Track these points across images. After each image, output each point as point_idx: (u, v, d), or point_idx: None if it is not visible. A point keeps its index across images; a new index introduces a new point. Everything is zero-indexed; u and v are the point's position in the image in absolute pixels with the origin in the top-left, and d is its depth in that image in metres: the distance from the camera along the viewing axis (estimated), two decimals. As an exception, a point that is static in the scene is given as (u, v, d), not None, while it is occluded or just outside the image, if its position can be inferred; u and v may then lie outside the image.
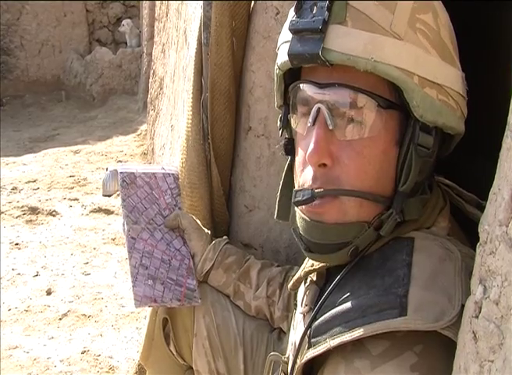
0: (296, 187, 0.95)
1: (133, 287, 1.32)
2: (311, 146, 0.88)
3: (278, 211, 1.07)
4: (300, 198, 0.90)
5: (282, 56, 0.91)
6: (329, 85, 0.87)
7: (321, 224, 0.91)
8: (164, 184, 1.54)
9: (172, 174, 1.57)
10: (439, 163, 0.99)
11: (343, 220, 0.90)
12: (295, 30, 0.87)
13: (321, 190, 0.89)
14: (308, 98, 0.90)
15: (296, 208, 0.95)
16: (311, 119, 0.89)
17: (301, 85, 0.92)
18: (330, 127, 0.87)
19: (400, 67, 0.83)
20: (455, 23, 0.94)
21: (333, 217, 0.90)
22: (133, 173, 1.50)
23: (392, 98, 0.87)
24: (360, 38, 0.82)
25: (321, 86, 0.88)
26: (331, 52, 0.83)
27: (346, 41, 0.82)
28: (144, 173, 1.52)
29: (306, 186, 0.91)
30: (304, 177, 0.92)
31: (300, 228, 0.94)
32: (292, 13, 0.89)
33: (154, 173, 1.54)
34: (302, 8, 0.86)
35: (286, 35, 0.90)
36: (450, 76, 0.89)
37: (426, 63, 0.85)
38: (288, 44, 0.88)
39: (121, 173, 1.48)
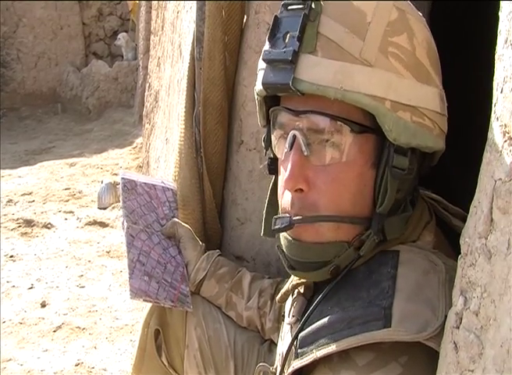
0: (280, 210, 0.97)
1: (129, 278, 1.32)
2: (287, 172, 0.90)
3: (264, 228, 1.09)
4: (279, 226, 0.93)
5: (258, 84, 0.93)
6: (304, 112, 0.89)
7: (300, 243, 0.93)
8: (163, 196, 1.56)
9: (171, 189, 1.59)
10: (430, 177, 1.00)
11: (320, 241, 0.92)
12: (268, 60, 0.89)
13: (299, 218, 0.91)
14: (285, 124, 0.92)
15: None
16: (287, 145, 0.91)
17: (278, 112, 0.94)
18: (305, 154, 0.90)
19: (370, 94, 0.84)
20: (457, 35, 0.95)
21: (311, 238, 0.93)
22: (134, 180, 1.53)
23: (367, 122, 0.88)
24: (330, 68, 0.84)
25: (296, 113, 0.90)
26: (302, 82, 0.85)
27: (315, 71, 0.84)
28: (144, 183, 1.54)
29: (285, 211, 0.94)
30: (284, 202, 0.95)
31: (283, 246, 0.97)
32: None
33: (154, 185, 1.57)
34: (275, 38, 0.88)
35: (261, 63, 0.92)
36: (426, 95, 0.90)
37: (399, 87, 0.86)
38: (263, 72, 0.90)
39: (122, 178, 1.51)
